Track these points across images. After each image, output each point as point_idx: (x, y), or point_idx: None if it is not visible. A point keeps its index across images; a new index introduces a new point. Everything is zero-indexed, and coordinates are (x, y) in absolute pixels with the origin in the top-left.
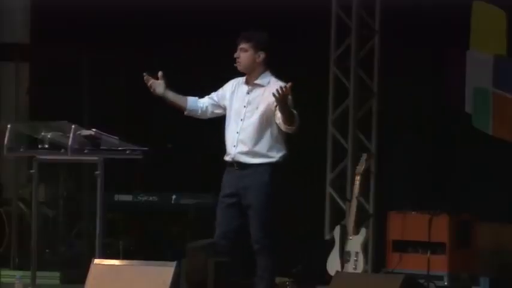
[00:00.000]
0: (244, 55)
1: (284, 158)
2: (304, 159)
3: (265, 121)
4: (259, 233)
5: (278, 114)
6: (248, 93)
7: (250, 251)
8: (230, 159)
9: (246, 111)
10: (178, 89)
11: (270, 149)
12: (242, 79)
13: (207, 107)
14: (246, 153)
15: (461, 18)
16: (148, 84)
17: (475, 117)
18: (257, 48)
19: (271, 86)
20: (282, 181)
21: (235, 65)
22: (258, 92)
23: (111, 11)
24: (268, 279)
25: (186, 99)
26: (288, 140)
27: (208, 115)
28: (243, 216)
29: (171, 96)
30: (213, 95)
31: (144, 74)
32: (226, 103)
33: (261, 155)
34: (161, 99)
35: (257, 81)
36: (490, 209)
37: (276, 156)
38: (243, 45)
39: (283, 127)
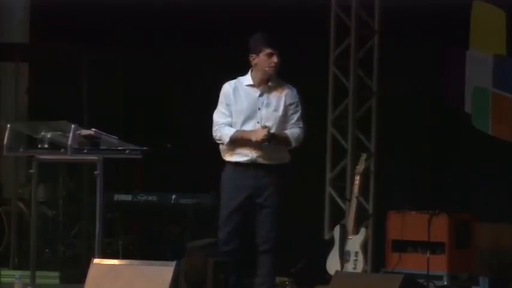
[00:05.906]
0: (278, 60)
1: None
2: (304, 159)
3: (283, 123)
4: (271, 233)
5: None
6: (261, 95)
7: (249, 250)
8: (247, 161)
9: (262, 114)
10: (179, 88)
11: (284, 150)
12: (238, 81)
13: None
14: (265, 156)
15: (461, 18)
16: None
17: (475, 117)
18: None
19: (283, 88)
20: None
21: (266, 69)
22: (274, 94)
23: (111, 11)
24: (272, 279)
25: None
26: None
27: None
28: (251, 217)
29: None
30: (227, 116)
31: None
32: (232, 108)
33: (277, 157)
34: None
35: (271, 84)
36: (490, 209)
37: (287, 157)
38: (277, 51)
39: None
